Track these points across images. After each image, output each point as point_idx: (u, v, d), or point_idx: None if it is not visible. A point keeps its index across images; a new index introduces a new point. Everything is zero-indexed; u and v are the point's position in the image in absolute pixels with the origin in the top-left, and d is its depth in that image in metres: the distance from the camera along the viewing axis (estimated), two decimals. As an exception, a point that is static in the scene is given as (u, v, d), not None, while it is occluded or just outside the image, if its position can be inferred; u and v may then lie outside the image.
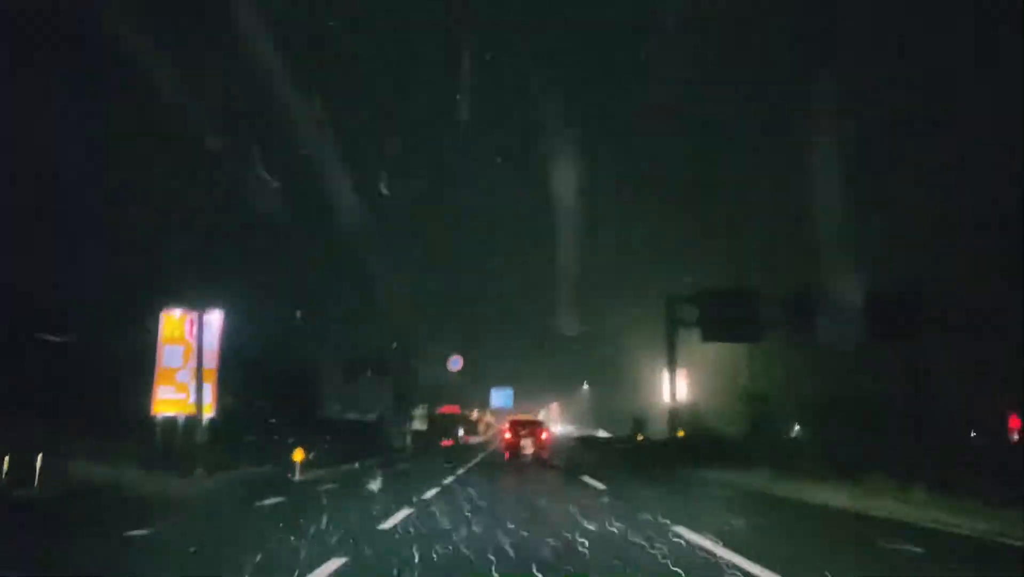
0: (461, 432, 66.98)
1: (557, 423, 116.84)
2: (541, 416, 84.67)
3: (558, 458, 32.45)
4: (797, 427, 47.16)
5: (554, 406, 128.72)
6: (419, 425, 62.56)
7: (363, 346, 50.37)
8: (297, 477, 16.98)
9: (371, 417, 48.60)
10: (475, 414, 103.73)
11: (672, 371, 30.62)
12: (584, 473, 19.97)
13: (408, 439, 31.57)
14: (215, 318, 18.50)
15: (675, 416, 41.12)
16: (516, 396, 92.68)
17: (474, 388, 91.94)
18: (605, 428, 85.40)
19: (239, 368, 20.35)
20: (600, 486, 16.54)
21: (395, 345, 50.04)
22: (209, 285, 18.77)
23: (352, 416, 45.75)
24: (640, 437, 48.78)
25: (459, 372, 33.09)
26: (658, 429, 74.14)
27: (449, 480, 17.83)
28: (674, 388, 30.72)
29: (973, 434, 29.03)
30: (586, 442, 61.83)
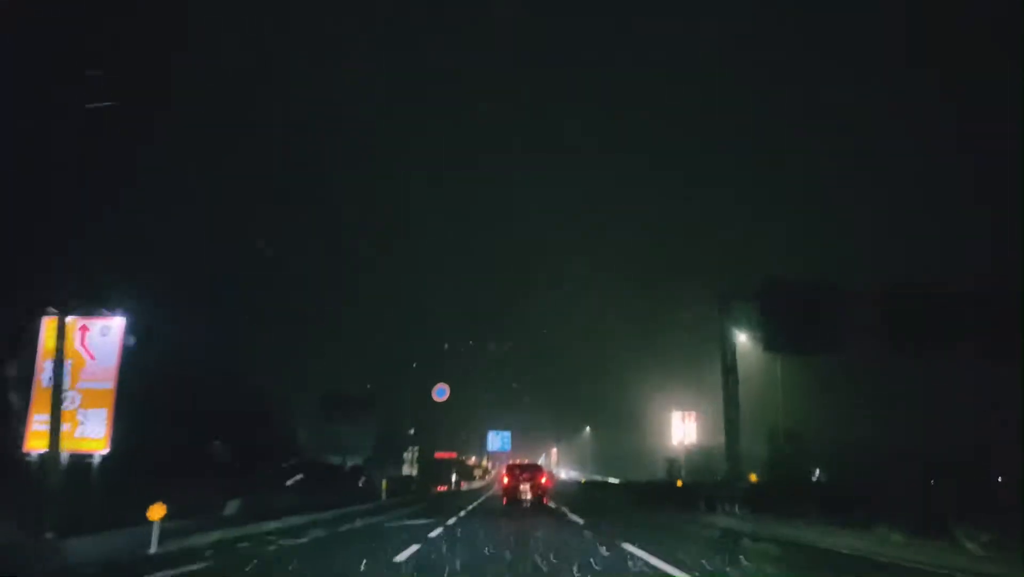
0: (454, 477, 61.79)
1: (560, 468, 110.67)
2: (541, 461, 79.86)
3: (569, 506, 29.17)
4: (818, 471, 42.55)
5: (554, 451, 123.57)
6: (409, 470, 57.72)
7: (345, 381, 45.80)
8: (153, 549, 11.04)
9: (355, 461, 44.04)
10: (472, 460, 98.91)
11: (730, 389, 23.88)
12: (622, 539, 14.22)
13: (384, 485, 26.51)
14: (114, 325, 14.13)
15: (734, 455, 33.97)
16: (514, 440, 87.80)
17: (469, 431, 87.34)
18: (605, 472, 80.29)
19: (157, 394, 15.87)
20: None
21: (370, 386, 45.46)
22: (113, 287, 14.50)
23: (334, 459, 41.42)
24: (680, 482, 41.54)
25: (446, 402, 28.37)
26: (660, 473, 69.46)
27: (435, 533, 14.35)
28: (733, 411, 23.90)
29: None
30: (595, 488, 56.09)
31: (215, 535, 13.17)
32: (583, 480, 72.51)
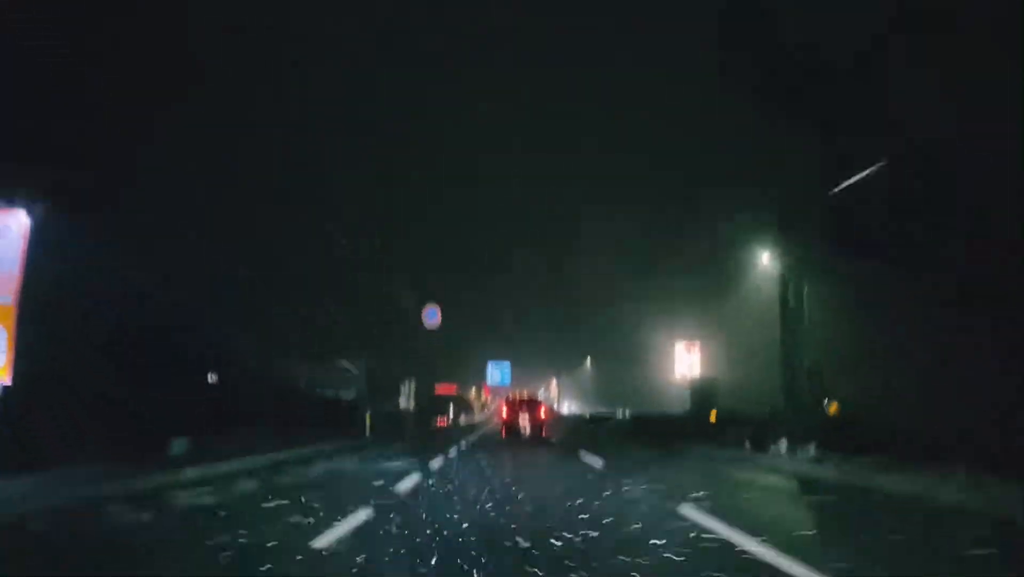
0: (452, 411, 60.10)
1: (563, 401, 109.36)
2: (540, 394, 78.29)
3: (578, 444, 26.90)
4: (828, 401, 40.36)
5: (553, 384, 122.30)
6: (405, 404, 55.92)
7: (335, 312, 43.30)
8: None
9: (348, 395, 42.04)
10: (472, 394, 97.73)
11: (788, 313, 20.81)
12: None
13: (367, 419, 24.04)
14: (16, 222, 11.36)
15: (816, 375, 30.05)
16: (514, 373, 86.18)
17: (468, 365, 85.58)
18: (607, 405, 78.77)
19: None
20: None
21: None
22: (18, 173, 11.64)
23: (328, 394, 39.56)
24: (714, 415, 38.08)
25: (445, 336, 26.12)
26: (665, 407, 67.74)
27: (407, 486, 11.10)
28: (790, 336, 20.86)
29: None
30: (603, 423, 53.87)
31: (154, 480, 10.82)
32: (588, 413, 70.57)
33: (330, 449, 19.00)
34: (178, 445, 13.51)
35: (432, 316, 24.09)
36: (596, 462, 16.23)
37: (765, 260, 26.56)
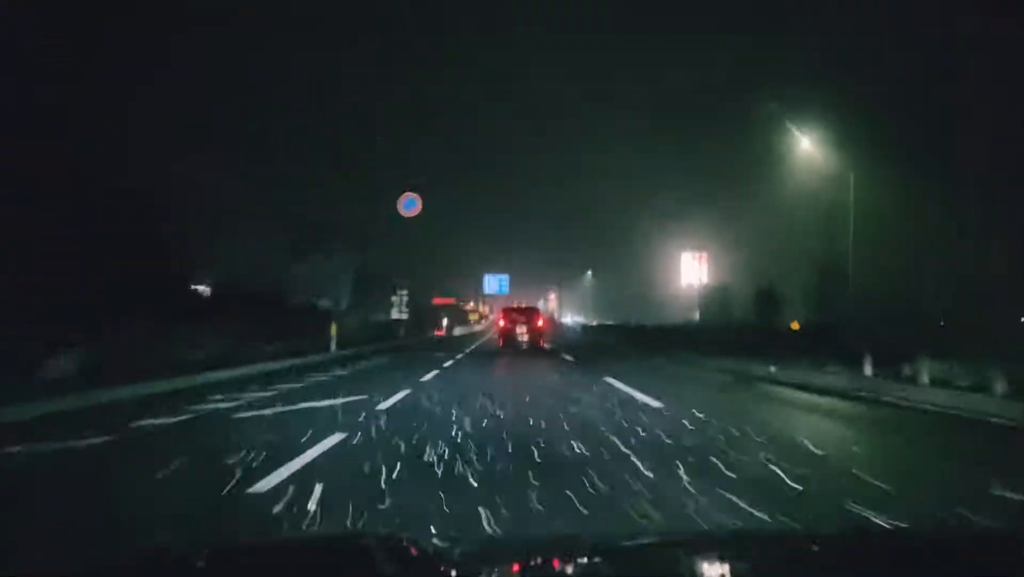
0: (446, 322, 57.12)
1: (564, 314, 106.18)
2: (540, 306, 75.21)
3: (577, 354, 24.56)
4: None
5: (552, 296, 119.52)
6: (398, 314, 52.84)
7: (315, 209, 39.58)
8: None
9: (324, 303, 38.75)
10: (470, 305, 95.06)
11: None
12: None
13: (332, 330, 20.17)
14: None
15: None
16: (512, 285, 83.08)
17: (465, 275, 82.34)
18: (608, 318, 75.94)
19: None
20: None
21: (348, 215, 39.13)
22: None
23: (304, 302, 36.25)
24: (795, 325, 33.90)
25: (416, 216, 22.26)
26: (672, 316, 64.82)
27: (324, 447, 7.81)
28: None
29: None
30: (610, 334, 50.01)
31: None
32: (595, 323, 66.62)
33: (270, 369, 15.32)
34: (61, 362, 10.07)
35: (410, 205, 20.22)
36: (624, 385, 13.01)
37: (807, 148, 22.58)
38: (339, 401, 10.04)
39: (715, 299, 54.29)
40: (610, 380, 13.46)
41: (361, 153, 55.17)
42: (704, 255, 70.09)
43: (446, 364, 17.70)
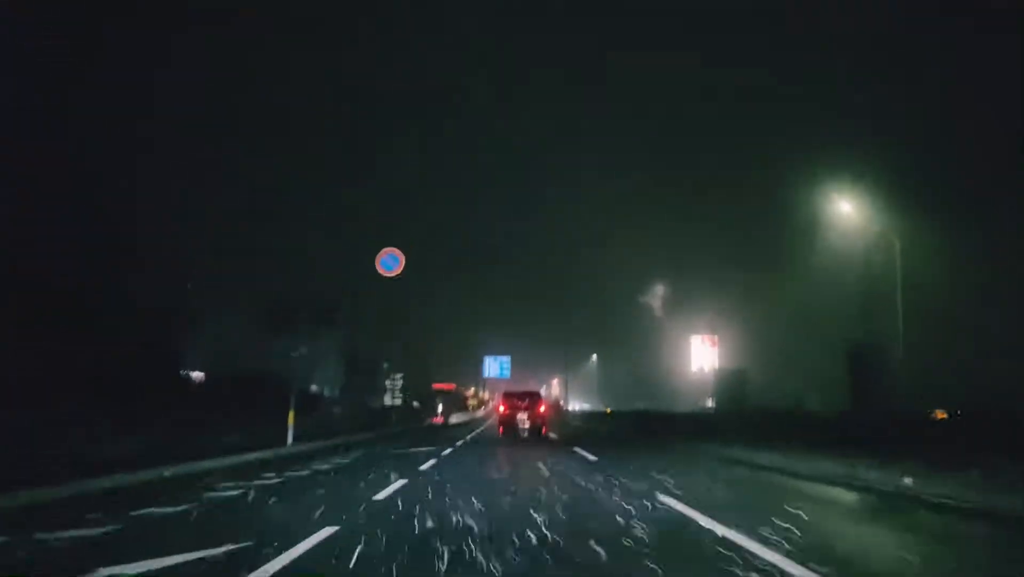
0: (440, 408, 53.73)
1: (570, 399, 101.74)
2: (543, 393, 71.67)
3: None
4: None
5: (555, 381, 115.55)
6: (391, 400, 49.63)
7: (298, 291, 36.84)
8: None
9: (315, 388, 35.68)
10: (471, 391, 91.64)
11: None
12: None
13: (290, 417, 16.34)
14: None
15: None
16: (514, 370, 79.71)
17: (466, 359, 79.18)
18: (617, 404, 72.13)
19: None
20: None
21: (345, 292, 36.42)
22: None
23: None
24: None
25: (397, 276, 19.23)
26: (683, 403, 61.30)
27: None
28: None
29: None
30: (639, 424, 45.42)
31: None
32: (608, 410, 61.98)
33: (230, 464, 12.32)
34: None
35: (391, 263, 17.02)
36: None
37: (848, 212, 19.90)
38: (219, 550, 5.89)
39: (730, 384, 50.89)
40: (667, 499, 8.81)
41: (356, 230, 53.12)
42: (715, 338, 67.17)
43: (424, 466, 13.53)
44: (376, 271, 19.10)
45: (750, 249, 47.05)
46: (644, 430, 32.33)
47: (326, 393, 36.23)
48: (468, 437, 28.27)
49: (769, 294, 42.63)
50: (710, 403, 66.90)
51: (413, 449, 18.51)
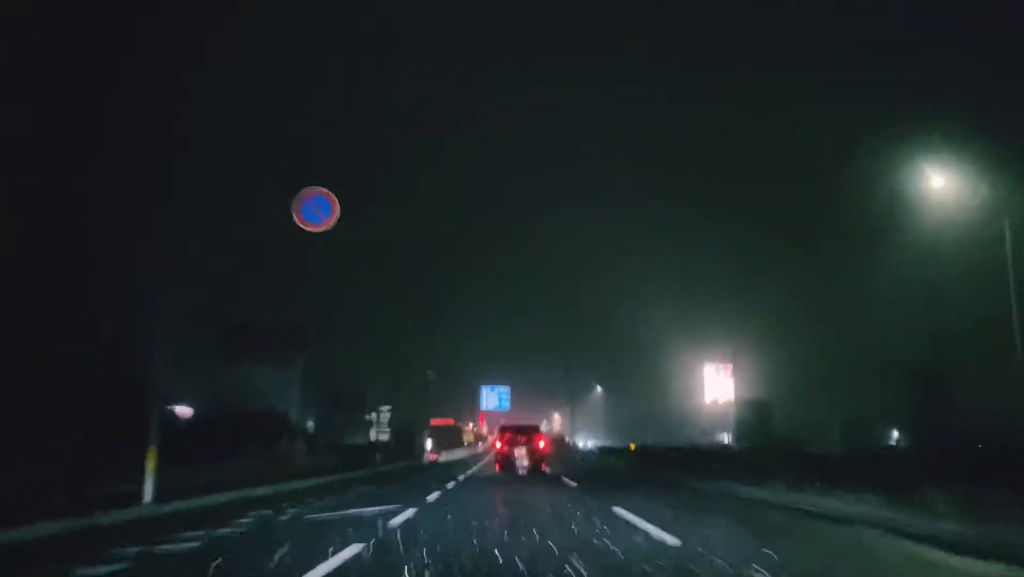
0: (430, 444, 48.67)
1: (575, 434, 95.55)
2: (543, 427, 66.38)
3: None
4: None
5: (556, 416, 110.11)
6: (376, 435, 44.58)
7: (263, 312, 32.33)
8: None
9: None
10: (469, 426, 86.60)
11: None
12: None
13: (149, 463, 11.46)
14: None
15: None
16: (514, 404, 74.85)
17: (463, 390, 74.33)
18: (622, 439, 66.81)
19: None
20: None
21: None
22: None
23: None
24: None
25: (328, 229, 14.57)
26: (693, 437, 56.14)
27: None
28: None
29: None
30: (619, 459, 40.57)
31: None
32: (632, 446, 55.89)
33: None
34: None
35: (318, 212, 12.08)
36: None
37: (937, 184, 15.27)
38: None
39: (751, 415, 45.94)
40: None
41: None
42: (729, 366, 61.86)
43: (394, 522, 9.12)
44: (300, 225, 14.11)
45: (777, 267, 42.60)
46: (668, 468, 27.09)
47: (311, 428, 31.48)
48: (461, 478, 23.35)
49: (802, 314, 37.99)
50: (726, 438, 62.00)
51: (369, 510, 12.11)
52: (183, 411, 25.77)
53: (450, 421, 70.54)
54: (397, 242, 74.16)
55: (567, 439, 70.90)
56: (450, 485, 18.12)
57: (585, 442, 76.93)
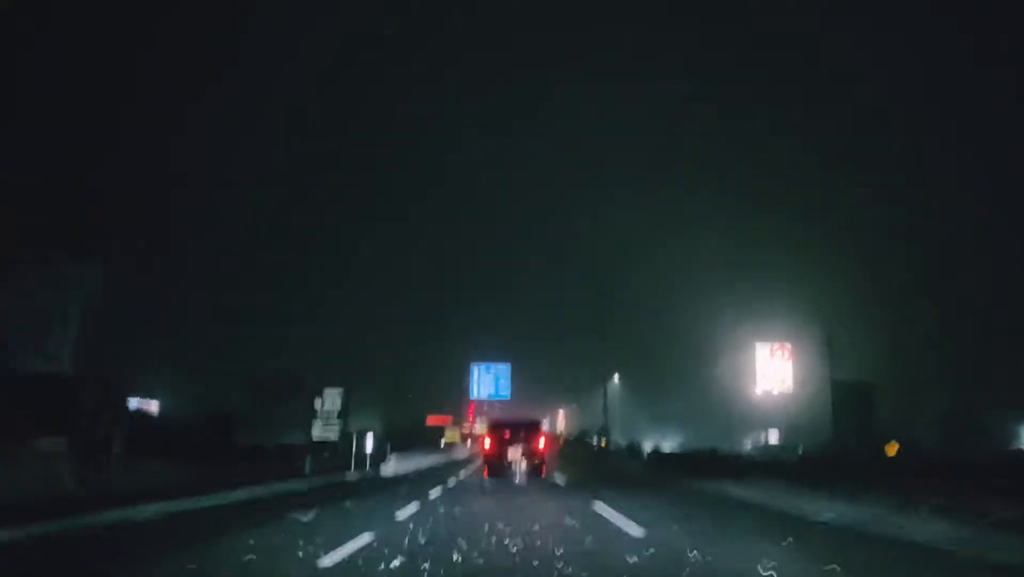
0: (381, 448, 36.19)
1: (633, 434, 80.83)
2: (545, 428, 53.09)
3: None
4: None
5: (560, 413, 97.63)
6: (321, 432, 32.28)
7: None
8: None
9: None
10: (475, 425, 75.13)
11: None
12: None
13: None
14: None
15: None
16: (514, 396, 62.31)
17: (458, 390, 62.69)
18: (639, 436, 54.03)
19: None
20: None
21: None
22: None
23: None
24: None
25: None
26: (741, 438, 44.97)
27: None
28: None
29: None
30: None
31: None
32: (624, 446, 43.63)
33: None
34: None
35: None
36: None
37: None
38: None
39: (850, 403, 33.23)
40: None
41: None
42: (788, 347, 48.20)
43: None
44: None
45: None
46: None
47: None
48: (413, 508, 11.16)
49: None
50: (773, 437, 49.96)
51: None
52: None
53: (448, 418, 62.61)
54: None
55: (601, 440, 54.64)
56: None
57: (649, 446, 54.20)
